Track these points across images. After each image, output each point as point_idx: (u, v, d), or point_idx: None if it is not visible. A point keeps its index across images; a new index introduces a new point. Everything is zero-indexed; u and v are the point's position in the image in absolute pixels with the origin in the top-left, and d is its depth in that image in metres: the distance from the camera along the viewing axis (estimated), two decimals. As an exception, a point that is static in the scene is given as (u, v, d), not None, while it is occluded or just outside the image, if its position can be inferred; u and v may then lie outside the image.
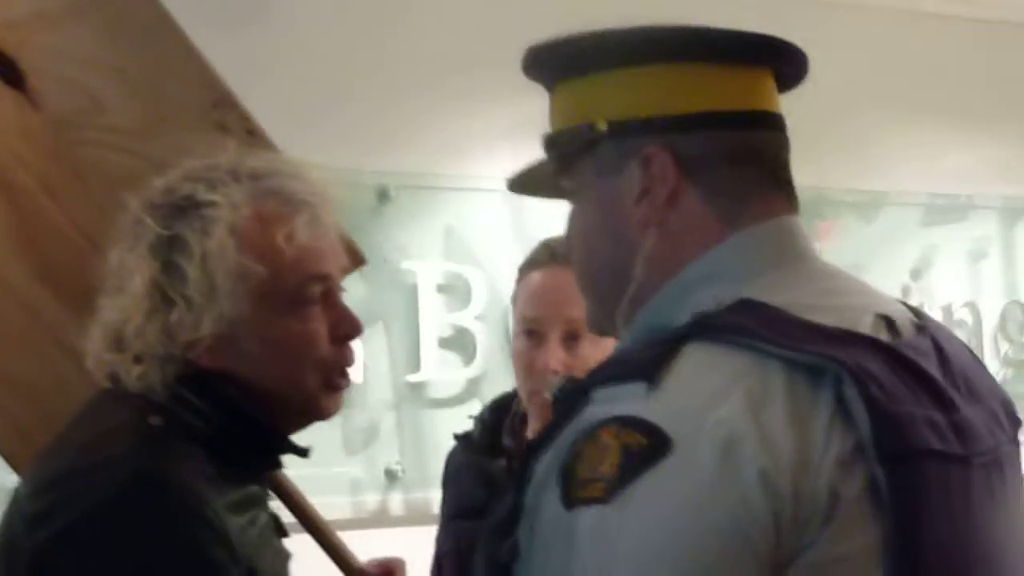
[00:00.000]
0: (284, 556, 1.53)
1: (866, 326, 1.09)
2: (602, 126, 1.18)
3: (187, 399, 1.40)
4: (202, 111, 1.62)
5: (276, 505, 1.66)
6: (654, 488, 0.96)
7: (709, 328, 1.05)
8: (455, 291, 3.63)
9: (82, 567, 1.27)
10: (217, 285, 1.39)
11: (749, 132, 1.18)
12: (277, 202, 1.45)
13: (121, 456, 1.32)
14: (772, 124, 1.21)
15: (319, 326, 1.46)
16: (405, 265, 3.56)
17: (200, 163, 1.47)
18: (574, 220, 1.25)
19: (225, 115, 1.62)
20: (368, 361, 3.41)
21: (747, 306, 1.07)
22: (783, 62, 1.23)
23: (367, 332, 3.65)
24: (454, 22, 3.68)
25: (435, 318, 3.59)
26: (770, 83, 1.22)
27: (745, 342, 1.02)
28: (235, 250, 1.40)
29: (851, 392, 0.99)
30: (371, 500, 3.53)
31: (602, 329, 1.27)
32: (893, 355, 1.05)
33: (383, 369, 3.52)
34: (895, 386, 1.02)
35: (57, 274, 1.61)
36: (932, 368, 1.08)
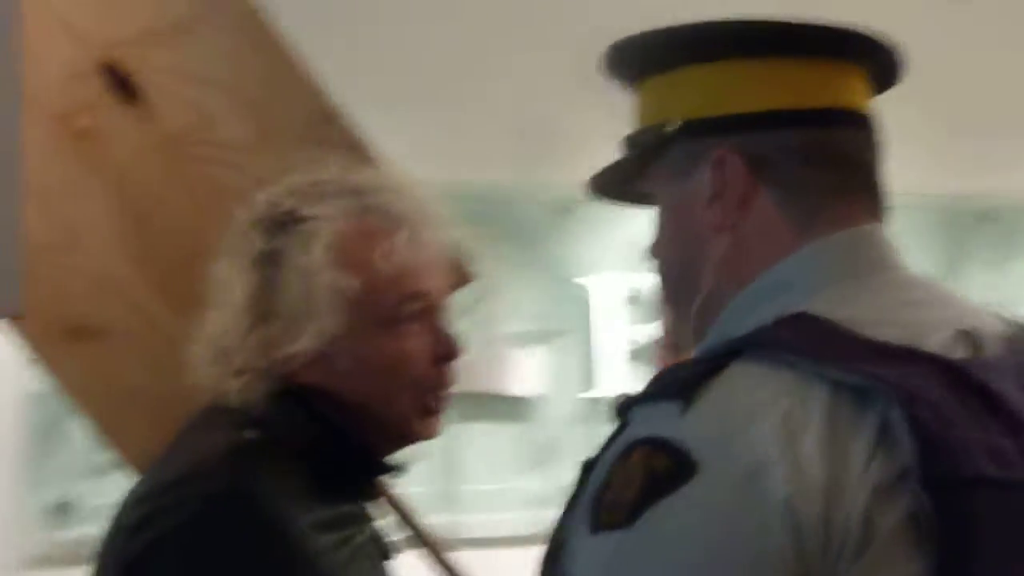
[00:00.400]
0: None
1: (937, 342, 1.01)
2: (672, 126, 1.14)
3: (284, 414, 1.41)
4: (307, 125, 1.62)
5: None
6: (671, 514, 0.92)
7: (756, 345, 0.99)
8: (639, 305, 3.58)
9: None
10: (314, 300, 1.40)
11: (827, 131, 1.12)
12: (377, 218, 1.44)
13: (211, 471, 1.33)
14: (856, 123, 1.14)
15: (416, 345, 1.44)
16: (584, 280, 3.53)
17: (305, 178, 1.48)
18: (654, 227, 1.21)
19: (330, 129, 1.62)
20: (547, 376, 3.39)
21: (800, 320, 1.02)
22: (871, 57, 1.15)
23: (545, 347, 3.69)
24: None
25: (617, 332, 3.55)
26: (856, 79, 1.15)
27: (790, 360, 0.96)
28: (332, 266, 1.40)
29: (896, 415, 0.92)
30: (550, 516, 3.48)
31: (683, 342, 1.21)
32: (957, 374, 0.98)
33: (563, 384, 3.49)
34: (951, 408, 0.94)
35: (174, 288, 1.64)
36: (1010, 388, 0.99)
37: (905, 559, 0.90)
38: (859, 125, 1.14)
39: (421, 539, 1.65)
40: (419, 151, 3.65)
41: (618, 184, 1.25)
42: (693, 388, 0.96)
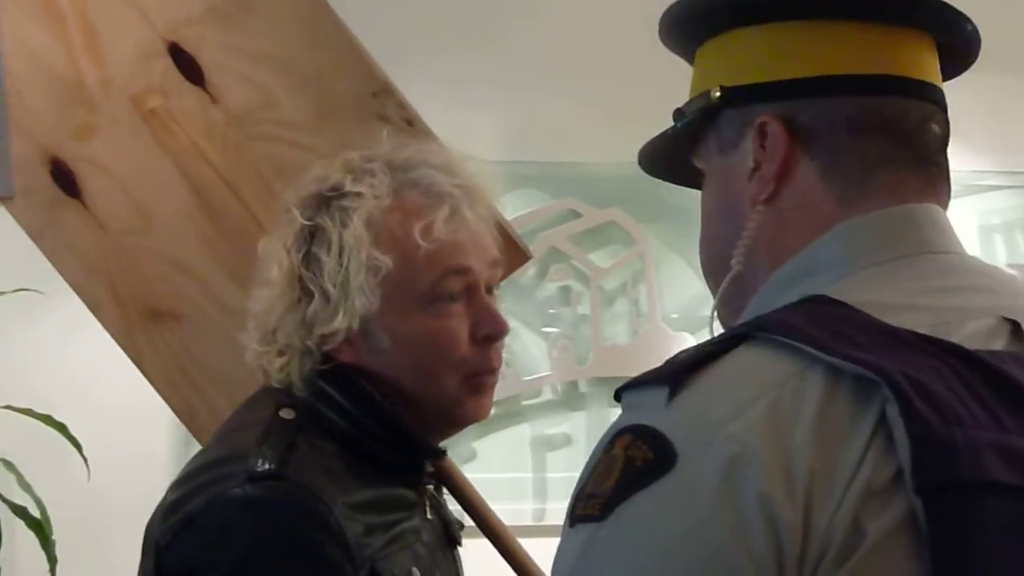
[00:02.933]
0: (444, 564, 1.50)
1: (970, 331, 0.92)
2: (715, 93, 1.06)
3: (326, 394, 1.39)
4: (363, 102, 1.60)
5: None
6: (644, 509, 0.85)
7: (762, 328, 0.91)
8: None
9: (191, 557, 1.30)
10: (351, 278, 1.37)
11: (878, 99, 1.02)
12: (418, 194, 1.41)
13: (243, 451, 1.33)
14: (916, 92, 1.04)
15: (458, 324, 1.41)
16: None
17: (358, 154, 1.46)
18: (701, 204, 1.13)
19: (385, 105, 1.60)
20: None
21: (815, 304, 0.93)
22: (934, 24, 1.06)
23: (704, 332, 3.59)
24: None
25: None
26: (918, 47, 1.05)
27: (792, 345, 0.88)
28: (370, 243, 1.38)
29: (892, 410, 0.83)
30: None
31: (722, 324, 1.13)
32: (977, 367, 0.88)
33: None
34: (961, 405, 0.85)
35: (243, 268, 1.63)
36: None
37: (896, 569, 0.81)
38: (917, 95, 1.04)
39: (481, 524, 1.60)
40: (577, 130, 3.62)
41: (669, 160, 1.18)
42: (685, 374, 0.89)
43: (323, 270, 1.38)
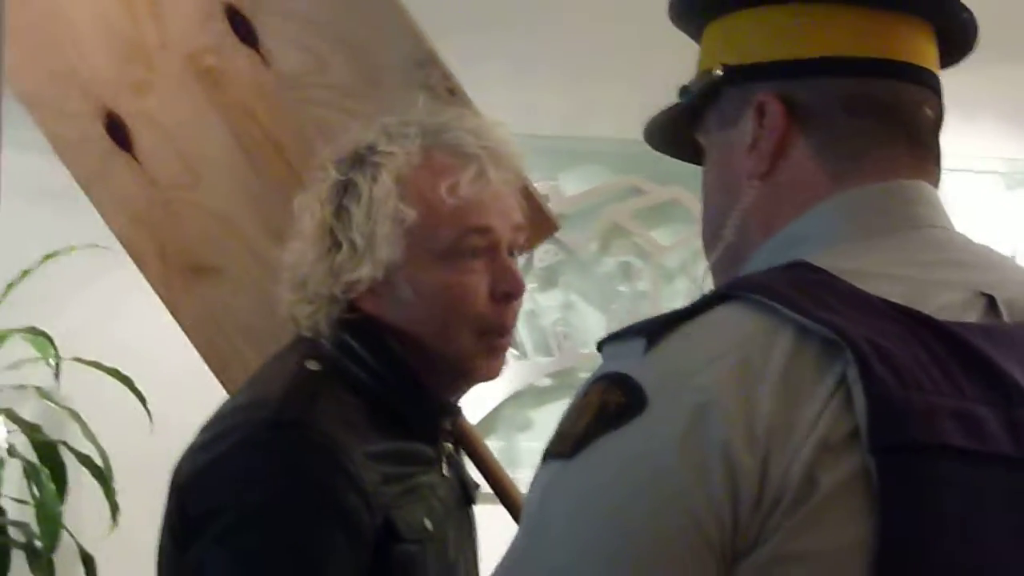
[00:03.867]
0: (459, 522, 1.54)
1: (943, 302, 0.95)
2: (717, 72, 1.10)
3: (349, 346, 1.45)
4: (409, 70, 1.63)
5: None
6: (611, 449, 0.90)
7: (741, 287, 0.96)
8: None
9: (213, 499, 1.36)
10: (377, 229, 1.43)
11: (873, 81, 1.06)
12: (447, 154, 1.46)
13: (269, 399, 1.39)
14: (911, 76, 1.07)
15: (478, 280, 1.45)
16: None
17: (395, 118, 1.50)
18: (702, 179, 1.17)
19: (430, 74, 1.63)
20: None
21: (793, 267, 0.98)
22: (932, 11, 1.09)
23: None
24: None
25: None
26: (915, 33, 1.08)
27: (767, 305, 0.92)
28: (397, 196, 1.43)
29: (852, 372, 0.87)
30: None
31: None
32: (944, 337, 0.91)
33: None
34: (923, 371, 0.88)
35: (286, 227, 1.67)
36: (1008, 357, 0.92)
37: (846, 521, 0.86)
38: (912, 79, 1.07)
39: (495, 487, 1.62)
40: (641, 107, 3.62)
41: (673, 135, 1.22)
42: (664, 326, 0.94)
43: (352, 221, 1.44)
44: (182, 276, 1.71)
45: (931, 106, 1.08)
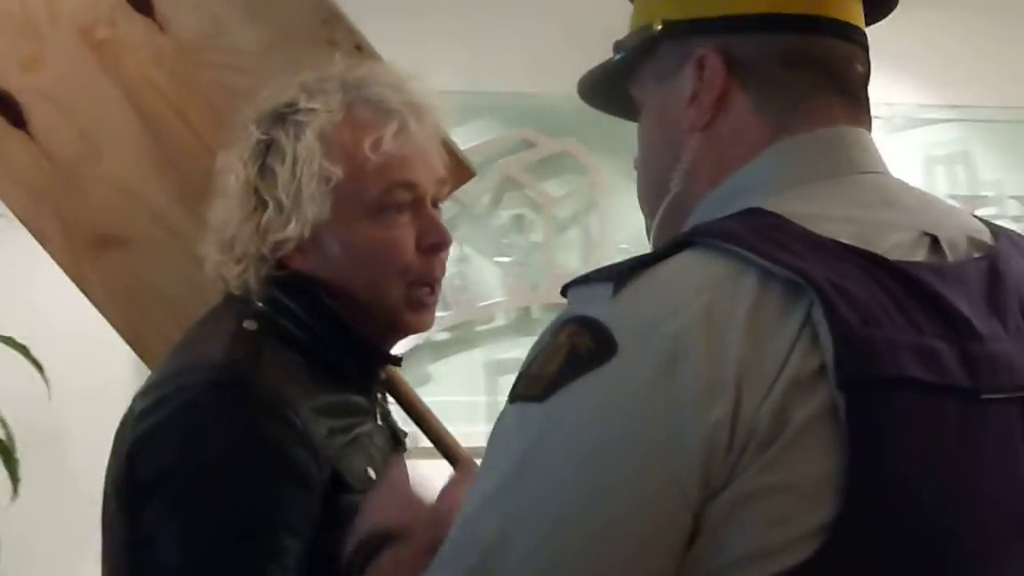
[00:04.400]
0: (396, 467, 1.55)
1: (892, 242, 1.00)
2: (657, 26, 1.13)
3: (283, 304, 1.46)
4: (313, 28, 1.63)
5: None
6: (584, 394, 0.93)
7: (703, 234, 0.98)
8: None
9: (163, 460, 1.36)
10: (303, 187, 1.44)
11: (809, 37, 1.10)
12: (368, 110, 1.47)
13: (212, 359, 1.40)
14: (842, 33, 1.12)
15: (404, 234, 1.47)
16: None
17: (313, 75, 1.51)
18: (639, 132, 1.20)
19: (334, 31, 1.62)
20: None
21: (750, 214, 1.01)
22: None
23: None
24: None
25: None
26: None
27: (727, 249, 0.95)
28: (321, 154, 1.44)
29: (817, 312, 0.91)
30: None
31: (655, 245, 1.19)
32: (898, 275, 0.96)
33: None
34: (881, 308, 0.93)
35: (191, 192, 1.66)
36: (958, 294, 0.97)
37: (818, 454, 0.89)
38: (845, 36, 1.12)
39: (427, 431, 1.65)
40: (533, 61, 3.66)
41: (608, 90, 1.24)
42: (630, 272, 0.96)
43: (277, 180, 1.44)
44: (88, 251, 1.69)
45: (860, 61, 1.13)
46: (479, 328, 3.68)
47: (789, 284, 0.92)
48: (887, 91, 3.76)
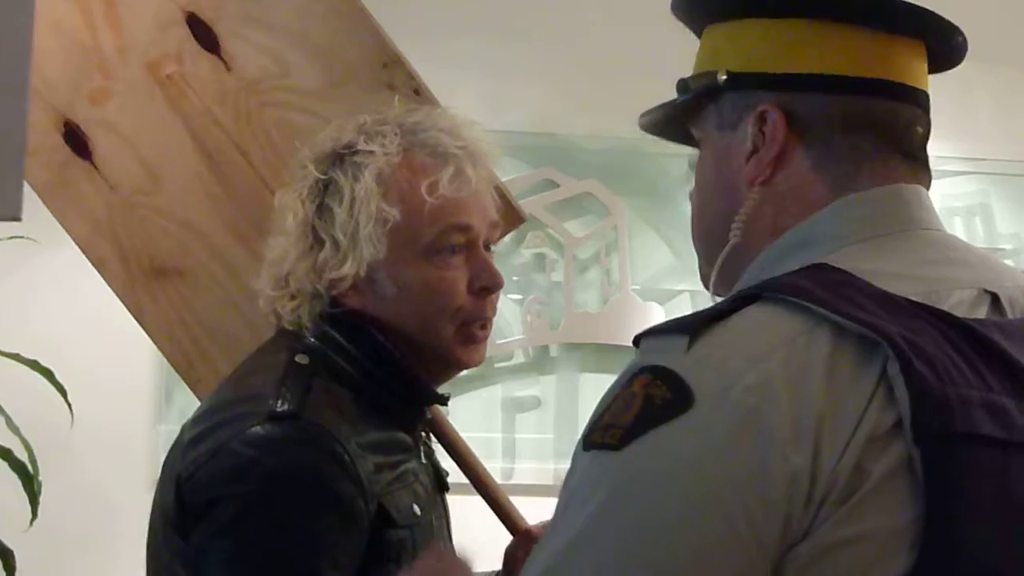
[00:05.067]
0: (436, 507, 1.59)
1: (956, 299, 1.02)
2: (723, 75, 1.16)
3: (334, 339, 1.49)
4: (374, 71, 1.67)
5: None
6: (663, 444, 0.94)
7: (773, 289, 1.00)
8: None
9: (213, 488, 1.39)
10: (360, 227, 1.47)
11: (871, 100, 1.12)
12: (426, 153, 1.51)
13: (263, 391, 1.42)
14: (904, 96, 1.14)
15: (457, 275, 1.51)
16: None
17: (371, 117, 1.55)
18: (697, 172, 1.23)
19: (394, 75, 1.67)
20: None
21: (818, 269, 1.03)
22: (930, 35, 1.16)
23: (672, 304, 3.73)
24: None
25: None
26: (912, 55, 1.15)
27: (801, 305, 0.97)
28: (379, 196, 1.47)
29: (893, 368, 0.93)
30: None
31: (706, 286, 1.23)
32: (965, 332, 0.98)
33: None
34: (952, 365, 0.95)
35: (249, 228, 1.71)
36: (1021, 350, 1.00)
37: (895, 508, 0.91)
38: (907, 99, 1.14)
39: (468, 473, 1.68)
40: (556, 101, 3.70)
41: (668, 124, 1.27)
42: (704, 325, 0.98)
43: (335, 220, 1.48)
44: (145, 280, 1.73)
45: (922, 124, 1.15)
46: (498, 365, 3.70)
47: (863, 340, 0.94)
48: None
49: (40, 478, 3.07)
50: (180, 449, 1.44)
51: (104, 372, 3.32)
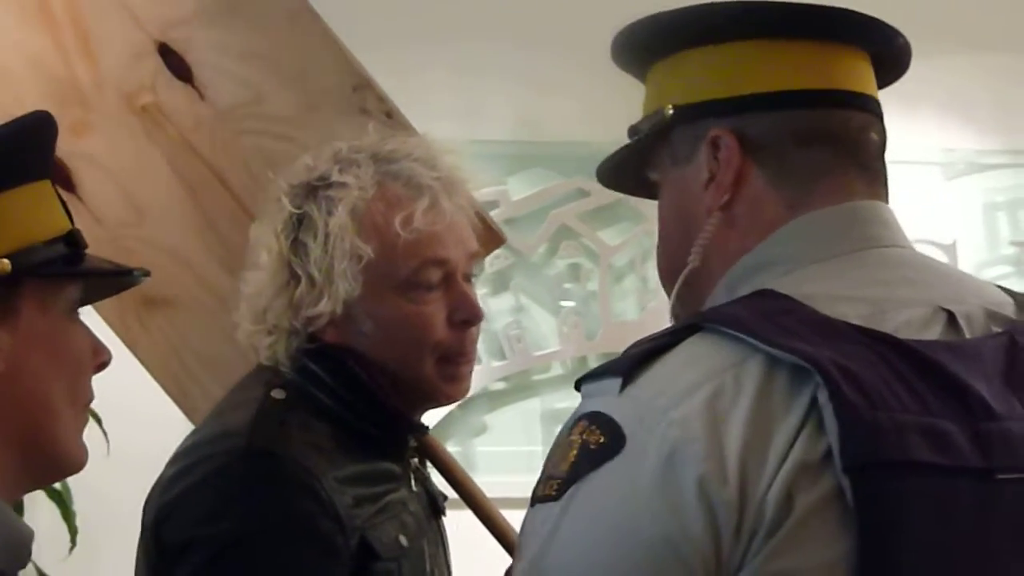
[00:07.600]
0: (430, 534, 1.57)
1: (903, 319, 1.00)
2: (669, 110, 1.14)
3: (312, 372, 1.47)
4: (345, 96, 1.66)
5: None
6: (595, 490, 0.94)
7: (711, 320, 1.00)
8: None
9: (187, 529, 1.38)
10: (335, 264, 1.45)
11: (820, 112, 1.11)
12: (400, 184, 1.48)
13: (238, 429, 1.42)
14: (855, 103, 1.12)
15: (435, 310, 1.49)
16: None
17: (346, 144, 1.53)
18: (659, 212, 1.21)
19: (365, 98, 1.65)
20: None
21: (760, 297, 1.02)
22: (870, 40, 1.14)
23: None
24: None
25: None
26: (854, 61, 1.14)
27: (735, 336, 0.96)
28: (353, 232, 1.45)
29: (823, 396, 0.91)
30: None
31: (670, 312, 1.21)
32: (906, 355, 0.96)
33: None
34: (888, 390, 0.93)
35: (233, 255, 1.69)
36: (972, 371, 0.96)
37: (827, 540, 0.90)
38: (856, 106, 1.12)
39: (464, 496, 1.66)
40: (587, 110, 3.67)
41: (625, 174, 1.25)
42: (638, 364, 0.98)
43: (310, 256, 1.46)
44: (136, 311, 1.74)
45: (876, 131, 1.13)
46: (536, 377, 3.67)
47: (795, 368, 0.92)
48: (946, 137, 3.72)
49: (75, 507, 3.10)
50: (158, 490, 1.44)
51: (139, 400, 3.32)
